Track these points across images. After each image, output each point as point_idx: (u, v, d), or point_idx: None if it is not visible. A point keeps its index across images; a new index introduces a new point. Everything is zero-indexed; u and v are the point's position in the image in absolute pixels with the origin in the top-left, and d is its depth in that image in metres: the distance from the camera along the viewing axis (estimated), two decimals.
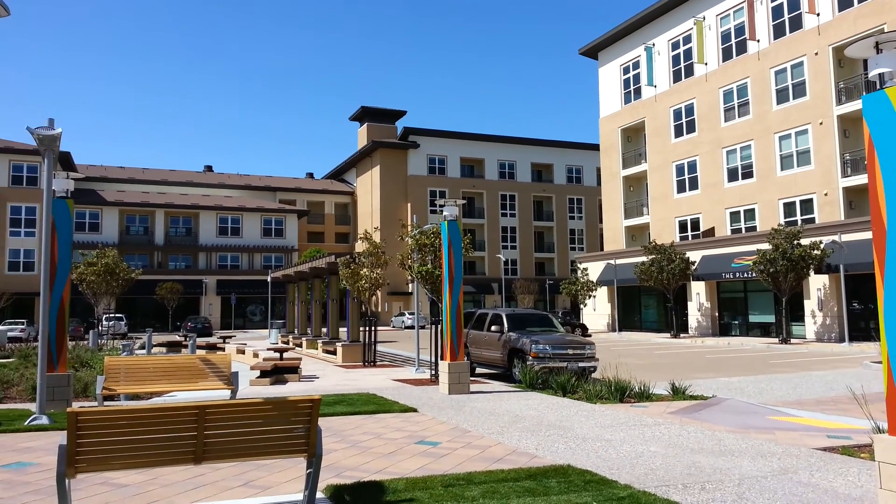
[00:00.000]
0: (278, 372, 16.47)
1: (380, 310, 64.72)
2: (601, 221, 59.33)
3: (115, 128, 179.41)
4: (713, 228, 40.30)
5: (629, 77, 48.27)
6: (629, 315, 45.73)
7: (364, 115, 74.55)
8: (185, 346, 26.85)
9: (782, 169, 36.45)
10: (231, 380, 11.23)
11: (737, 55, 39.56)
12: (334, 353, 23.08)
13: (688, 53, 43.03)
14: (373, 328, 20.99)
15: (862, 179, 32.40)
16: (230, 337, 35.27)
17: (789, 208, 36.08)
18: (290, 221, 68.58)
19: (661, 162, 44.74)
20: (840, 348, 27.50)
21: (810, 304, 32.80)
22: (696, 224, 42.03)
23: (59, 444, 4.71)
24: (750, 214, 38.30)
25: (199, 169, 79.51)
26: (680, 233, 43.12)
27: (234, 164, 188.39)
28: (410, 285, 59.82)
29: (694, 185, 42.18)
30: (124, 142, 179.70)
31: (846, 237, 30.66)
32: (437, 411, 11.07)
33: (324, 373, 18.71)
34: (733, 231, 39.01)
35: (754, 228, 37.48)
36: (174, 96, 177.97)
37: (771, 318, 35.22)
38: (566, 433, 9.03)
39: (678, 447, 8.07)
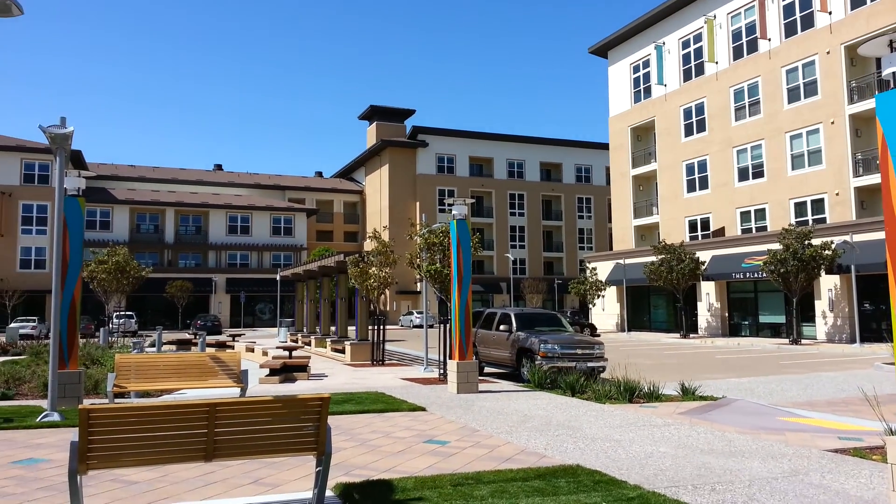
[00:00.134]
0: (287, 370, 16.51)
1: (388, 309, 64.81)
2: (610, 221, 59.16)
3: (126, 127, 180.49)
4: (723, 228, 40.11)
5: (639, 76, 48.09)
6: (638, 315, 45.58)
7: (373, 114, 74.65)
8: (195, 344, 26.99)
9: (793, 168, 36.23)
10: (240, 378, 11.27)
11: (748, 54, 39.35)
12: (343, 351, 23.12)
13: (698, 52, 42.83)
14: (381, 327, 21.00)
15: (874, 179, 32.15)
16: (239, 335, 35.41)
17: (800, 208, 35.87)
18: (299, 220, 68.76)
19: (671, 161, 44.56)
20: (851, 349, 27.31)
21: (821, 305, 32.59)
22: (706, 224, 41.85)
23: (71, 440, 4.74)
24: (760, 214, 38.10)
25: (209, 168, 79.86)
26: (690, 232, 42.94)
27: (243, 163, 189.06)
28: (419, 284, 59.83)
29: (704, 184, 41.99)
30: (135, 140, 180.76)
31: (858, 237, 30.44)
32: (445, 410, 11.07)
33: (332, 371, 18.74)
34: (744, 231, 38.81)
35: (765, 228, 37.27)
36: (184, 96, 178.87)
37: (781, 319, 35.02)
38: (575, 433, 9.01)
39: (688, 448, 8.03)
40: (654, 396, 12.17)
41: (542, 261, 73.86)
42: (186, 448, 4.97)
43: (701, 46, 42.55)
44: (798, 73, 36.23)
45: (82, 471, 4.75)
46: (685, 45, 43.92)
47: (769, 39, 37.84)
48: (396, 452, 7.83)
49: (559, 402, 11.83)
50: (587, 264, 48.90)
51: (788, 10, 37.03)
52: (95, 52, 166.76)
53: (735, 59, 40.20)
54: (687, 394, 12.62)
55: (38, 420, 9.79)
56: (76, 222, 11.30)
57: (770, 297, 35.62)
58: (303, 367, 16.73)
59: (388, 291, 56.33)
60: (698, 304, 39.71)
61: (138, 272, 34.73)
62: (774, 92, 37.37)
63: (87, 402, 11.56)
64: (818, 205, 34.88)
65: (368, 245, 57.45)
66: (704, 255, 38.36)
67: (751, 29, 39.20)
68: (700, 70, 42.66)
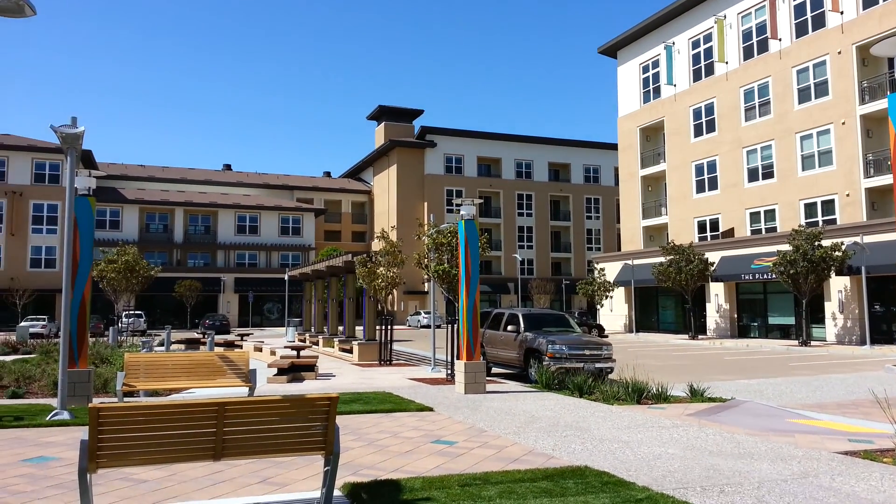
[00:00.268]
0: (295, 370, 16.54)
1: (396, 309, 64.85)
2: (619, 221, 58.98)
3: (136, 126, 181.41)
4: (733, 229, 39.93)
5: (648, 76, 47.94)
6: (646, 316, 45.44)
7: (381, 114, 74.78)
8: (204, 344, 27.09)
9: (803, 169, 36.03)
10: (249, 377, 11.30)
11: (758, 54, 39.16)
12: (350, 351, 23.15)
13: (708, 52, 42.66)
14: (389, 327, 21.02)
15: (885, 180, 31.94)
16: (247, 334, 35.52)
17: (810, 209, 35.67)
18: (307, 220, 68.93)
19: (681, 162, 44.40)
20: (861, 351, 27.13)
21: (831, 306, 32.39)
22: (715, 224, 41.67)
23: (81, 439, 4.76)
24: (770, 215, 37.90)
25: (217, 168, 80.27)
26: (699, 233, 42.77)
27: (252, 163, 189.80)
28: (427, 284, 59.82)
29: (713, 185, 41.81)
30: (144, 140, 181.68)
31: (868, 238, 30.24)
32: (453, 411, 11.06)
33: (340, 371, 18.77)
34: (753, 232, 38.63)
35: (774, 229, 37.08)
36: (193, 96, 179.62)
37: (791, 320, 34.83)
38: (583, 434, 8.99)
39: (696, 449, 8.00)
40: (662, 398, 12.13)
41: (550, 261, 73.76)
42: (195, 447, 4.99)
43: (711, 46, 42.38)
44: (809, 73, 36.03)
45: (92, 469, 4.77)
46: (695, 44, 43.76)
47: (780, 39, 37.64)
48: (404, 452, 7.84)
49: (567, 403, 11.80)
50: (595, 265, 48.77)
51: (799, 10, 36.83)
52: (106, 52, 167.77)
53: (745, 59, 40.02)
54: (695, 395, 12.57)
55: (48, 418, 9.86)
56: (86, 222, 11.36)
57: (779, 299, 35.43)
58: (311, 367, 16.76)
59: (395, 291, 56.37)
60: (707, 305, 39.54)
61: (147, 271, 34.85)
62: (785, 92, 37.18)
63: (96, 401, 11.63)
64: (828, 206, 34.68)
65: (376, 245, 57.55)
66: (713, 256, 38.19)
67: (761, 29, 39.01)
68: (710, 70, 42.49)
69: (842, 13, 34.12)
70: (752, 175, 39.09)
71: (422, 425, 9.66)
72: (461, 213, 13.97)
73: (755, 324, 37.27)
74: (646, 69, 48.17)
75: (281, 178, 78.76)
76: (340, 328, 29.00)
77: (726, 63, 41.03)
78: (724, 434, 9.00)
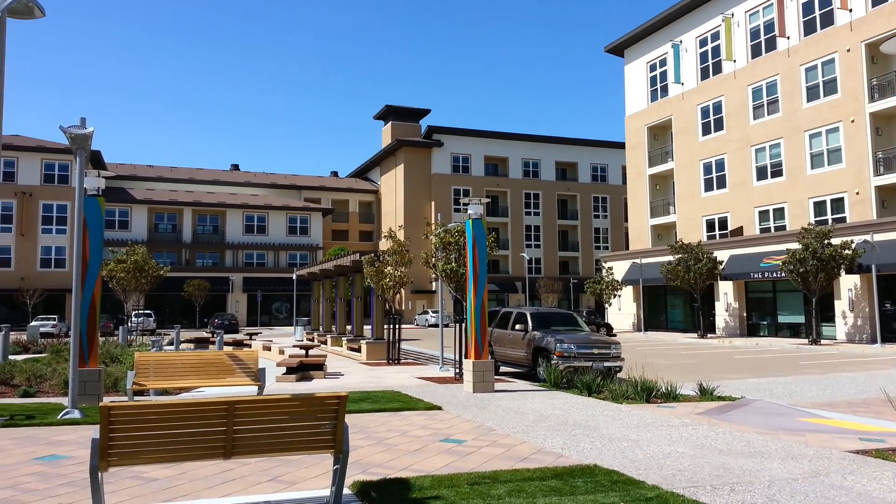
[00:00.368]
0: (304, 369, 16.58)
1: (404, 308, 64.90)
2: (626, 220, 58.83)
3: (144, 127, 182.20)
4: (741, 228, 39.76)
5: (656, 74, 47.78)
6: (655, 315, 45.31)
7: (388, 113, 74.82)
8: (213, 343, 27.18)
9: (812, 167, 35.84)
10: (258, 376, 11.33)
11: (766, 52, 38.97)
12: (359, 350, 23.19)
13: (716, 50, 42.48)
14: (397, 326, 21.04)
15: (895, 178, 31.74)
16: (256, 334, 35.60)
17: (819, 207, 35.48)
18: (314, 220, 69.07)
19: (688, 160, 44.24)
20: (872, 349, 26.98)
21: (841, 305, 32.22)
22: (723, 223, 41.50)
23: (92, 437, 4.79)
24: (779, 213, 37.73)
25: (226, 168, 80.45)
26: (707, 232, 42.61)
27: (260, 163, 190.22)
28: (434, 284, 59.85)
29: (722, 183, 41.65)
30: (153, 141, 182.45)
31: (878, 237, 30.06)
32: (461, 409, 11.07)
33: (349, 370, 18.81)
34: (762, 230, 38.45)
35: (783, 228, 36.90)
36: (201, 96, 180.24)
37: (800, 319, 34.66)
38: (592, 433, 8.97)
39: (706, 448, 7.97)
40: (671, 396, 12.10)
41: (558, 260, 73.64)
42: (205, 445, 5.01)
43: (718, 44, 42.21)
44: (817, 71, 35.83)
45: (103, 467, 4.80)
46: (702, 43, 43.59)
47: (788, 37, 37.45)
48: (413, 451, 7.84)
49: (576, 402, 11.78)
50: (603, 264, 48.67)
51: (808, 8, 36.63)
52: (113, 52, 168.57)
53: (753, 57, 39.83)
54: (705, 394, 12.52)
55: (58, 417, 9.91)
56: (96, 222, 11.42)
57: (789, 297, 35.26)
58: (319, 366, 16.79)
59: (403, 291, 56.38)
60: (716, 303, 39.39)
61: (157, 271, 35.03)
62: (793, 90, 36.99)
63: (107, 400, 11.69)
64: (838, 204, 34.48)
65: (384, 244, 57.59)
66: (722, 255, 38.05)
67: (769, 27, 38.82)
68: (718, 68, 42.32)
69: (850, 10, 33.92)
70: (761, 173, 38.91)
71: (430, 424, 9.67)
72: (468, 212, 13.96)
73: (765, 322, 37.10)
74: (653, 68, 48.01)
75: (289, 177, 78.93)
76: (349, 327, 29.04)
77: (734, 61, 40.85)
78: (734, 433, 8.97)
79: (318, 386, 14.93)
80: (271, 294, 63.90)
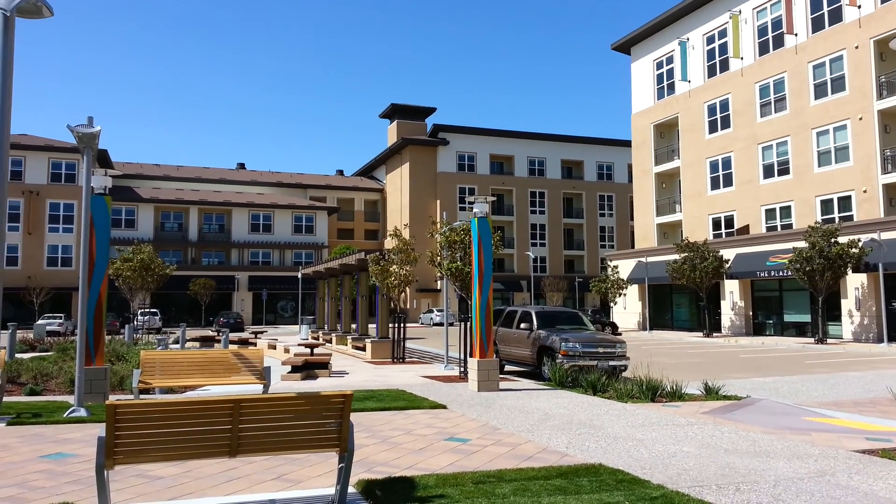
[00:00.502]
0: (309, 367, 16.61)
1: (409, 307, 64.94)
2: (632, 219, 58.72)
3: (151, 126, 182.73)
4: (748, 226, 39.62)
5: (662, 72, 47.65)
6: (660, 313, 45.20)
7: (394, 112, 74.82)
8: (218, 341, 27.24)
9: (820, 165, 35.69)
10: (263, 374, 11.36)
11: (773, 49, 38.81)
12: (364, 349, 23.21)
13: (723, 48, 42.33)
14: (402, 325, 21.05)
15: None
16: (261, 332, 35.69)
17: (826, 205, 35.32)
18: (320, 218, 69.15)
19: (695, 158, 44.11)
20: (879, 349, 26.86)
21: (847, 304, 32.08)
22: (730, 221, 41.37)
23: (99, 436, 4.80)
24: (786, 212, 37.59)
25: (231, 166, 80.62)
26: (713, 230, 42.49)
27: (265, 162, 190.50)
28: (439, 282, 59.88)
29: (728, 181, 41.51)
30: (159, 139, 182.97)
31: (886, 235, 29.91)
32: (466, 408, 11.06)
33: (353, 369, 18.83)
34: (768, 229, 38.31)
35: (790, 226, 36.76)
36: (208, 95, 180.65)
37: (807, 318, 34.53)
38: (597, 432, 8.96)
39: (711, 447, 7.95)
40: (676, 395, 12.07)
41: (563, 259, 73.55)
42: (211, 444, 5.02)
43: (726, 42, 42.05)
44: (825, 68, 35.67)
45: (109, 465, 4.81)
46: (709, 40, 43.43)
47: (796, 34, 37.28)
48: (418, 450, 7.85)
49: (581, 401, 11.77)
50: (608, 262, 48.57)
51: (816, 5, 36.46)
52: (120, 51, 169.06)
53: (761, 54, 39.67)
54: (710, 393, 12.49)
55: (65, 415, 9.96)
56: (103, 221, 11.46)
57: (795, 296, 35.13)
58: (324, 365, 16.82)
59: (408, 289, 56.44)
60: (722, 302, 39.28)
61: (162, 270, 35.17)
62: (801, 88, 36.83)
63: (112, 398, 11.73)
64: (845, 202, 34.33)
65: (389, 243, 57.59)
66: (728, 254, 37.93)
67: (777, 24, 38.65)
68: (725, 66, 42.16)
69: (859, 7, 33.74)
70: (768, 171, 38.76)
71: (435, 423, 9.67)
72: (474, 210, 13.95)
73: (770, 321, 36.98)
74: (660, 65, 47.87)
75: (294, 176, 79.04)
76: (353, 326, 29.06)
77: (741, 59, 40.69)
78: (740, 432, 8.94)
79: (323, 384, 14.95)
80: (277, 293, 64.01)
